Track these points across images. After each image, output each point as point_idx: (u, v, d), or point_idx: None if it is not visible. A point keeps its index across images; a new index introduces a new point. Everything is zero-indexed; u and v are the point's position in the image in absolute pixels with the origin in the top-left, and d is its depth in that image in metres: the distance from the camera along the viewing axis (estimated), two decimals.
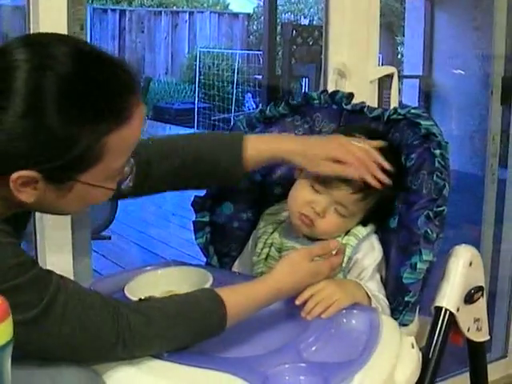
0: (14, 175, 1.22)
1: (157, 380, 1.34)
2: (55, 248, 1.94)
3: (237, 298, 1.43)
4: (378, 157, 1.64)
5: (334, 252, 1.58)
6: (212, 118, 10.52)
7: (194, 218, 1.89)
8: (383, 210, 1.71)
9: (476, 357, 1.88)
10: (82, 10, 2.00)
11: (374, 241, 1.71)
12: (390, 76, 2.47)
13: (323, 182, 1.66)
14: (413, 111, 1.71)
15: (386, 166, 1.65)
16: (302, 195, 1.70)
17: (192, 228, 1.90)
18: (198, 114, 10.59)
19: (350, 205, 1.66)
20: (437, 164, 1.61)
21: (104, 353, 1.31)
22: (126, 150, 1.32)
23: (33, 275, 1.25)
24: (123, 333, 1.30)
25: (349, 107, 1.84)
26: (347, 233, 1.70)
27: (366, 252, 1.69)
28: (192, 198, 1.89)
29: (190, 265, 1.78)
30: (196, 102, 10.82)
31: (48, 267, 1.32)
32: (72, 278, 1.92)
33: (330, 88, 2.35)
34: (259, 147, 1.71)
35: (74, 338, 1.27)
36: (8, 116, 1.19)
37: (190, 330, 1.37)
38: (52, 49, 1.25)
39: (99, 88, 1.25)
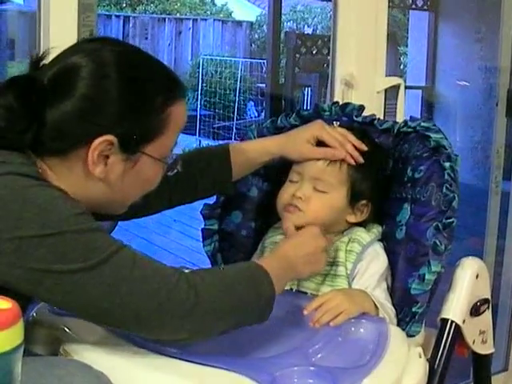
0: (96, 141, 1.34)
1: (166, 378, 1.36)
2: None
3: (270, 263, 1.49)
4: (353, 138, 1.75)
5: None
6: (214, 126, 10.52)
7: (202, 226, 1.90)
8: (375, 190, 1.75)
9: (480, 369, 1.88)
10: (92, 16, 2.01)
11: (378, 248, 1.73)
12: (395, 87, 2.48)
13: (298, 169, 1.75)
14: (423, 124, 1.73)
15: (361, 146, 1.74)
16: (283, 192, 1.76)
17: (196, 235, 1.91)
18: (200, 122, 10.57)
19: (324, 175, 1.71)
20: (446, 176, 1.62)
21: (174, 306, 1.31)
22: (180, 126, 1.46)
23: (99, 225, 1.33)
24: (195, 284, 1.33)
25: (359, 119, 1.86)
26: (350, 239, 1.72)
27: (371, 259, 1.70)
28: (200, 206, 1.90)
29: None
30: (198, 109, 10.80)
31: None
32: None
33: (337, 98, 2.36)
34: (245, 152, 1.80)
35: (145, 284, 1.29)
36: (81, 85, 1.35)
37: (249, 290, 1.40)
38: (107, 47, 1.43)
39: (158, 66, 1.45)
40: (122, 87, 1.37)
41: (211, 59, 11.32)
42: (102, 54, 1.39)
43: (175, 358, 1.38)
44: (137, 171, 1.41)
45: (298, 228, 1.70)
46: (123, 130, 1.36)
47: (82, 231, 1.28)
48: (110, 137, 1.35)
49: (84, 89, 1.35)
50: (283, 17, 9.52)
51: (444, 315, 1.66)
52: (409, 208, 1.70)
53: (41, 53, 1.43)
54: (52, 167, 1.38)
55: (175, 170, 1.52)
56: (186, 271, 1.37)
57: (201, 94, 10.96)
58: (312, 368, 1.35)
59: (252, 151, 1.80)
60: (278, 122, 1.91)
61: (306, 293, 1.72)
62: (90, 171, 1.37)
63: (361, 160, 1.73)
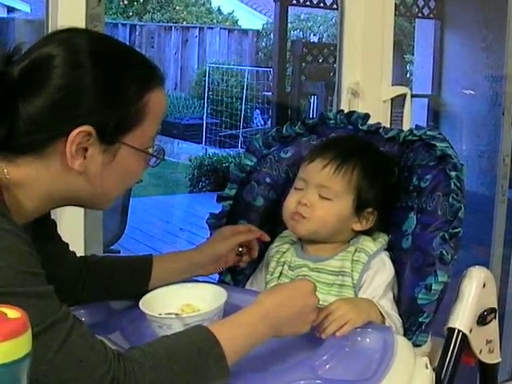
0: (74, 132, 1.30)
1: None
2: None
3: (226, 328, 1.36)
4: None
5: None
6: (220, 134, 10.53)
7: (208, 235, 1.89)
8: (379, 197, 1.74)
9: (487, 378, 1.88)
10: (100, 25, 2.02)
11: (385, 257, 1.72)
12: (401, 96, 2.49)
13: (303, 177, 1.75)
14: (429, 133, 1.72)
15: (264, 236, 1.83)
16: (288, 200, 1.76)
17: None
18: (206, 130, 10.59)
19: (329, 183, 1.70)
20: (452, 186, 1.61)
21: None
22: (159, 115, 1.42)
23: (44, 290, 1.22)
24: (117, 378, 1.22)
25: (364, 128, 1.85)
26: (357, 249, 1.72)
27: (377, 269, 1.69)
28: (206, 215, 1.90)
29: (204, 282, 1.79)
30: (204, 117, 10.82)
31: None
32: None
33: (343, 107, 2.37)
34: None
35: (64, 372, 1.20)
36: (56, 76, 1.31)
37: (185, 374, 1.29)
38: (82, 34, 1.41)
39: (133, 54, 1.43)
40: (97, 75, 1.33)
41: (217, 67, 11.36)
42: (74, 43, 1.35)
43: None
44: (117, 163, 1.37)
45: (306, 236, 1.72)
46: (100, 119, 1.32)
47: (27, 295, 1.19)
48: (87, 127, 1.30)
49: (58, 79, 1.31)
50: (289, 25, 9.55)
51: (451, 324, 1.66)
52: (415, 217, 1.70)
53: (12, 48, 1.37)
54: (26, 167, 1.33)
55: (158, 161, 1.47)
56: (129, 353, 1.27)
57: (207, 102, 10.99)
58: (319, 381, 1.34)
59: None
60: (283, 130, 1.91)
61: None
62: (68, 165, 1.32)
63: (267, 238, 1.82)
